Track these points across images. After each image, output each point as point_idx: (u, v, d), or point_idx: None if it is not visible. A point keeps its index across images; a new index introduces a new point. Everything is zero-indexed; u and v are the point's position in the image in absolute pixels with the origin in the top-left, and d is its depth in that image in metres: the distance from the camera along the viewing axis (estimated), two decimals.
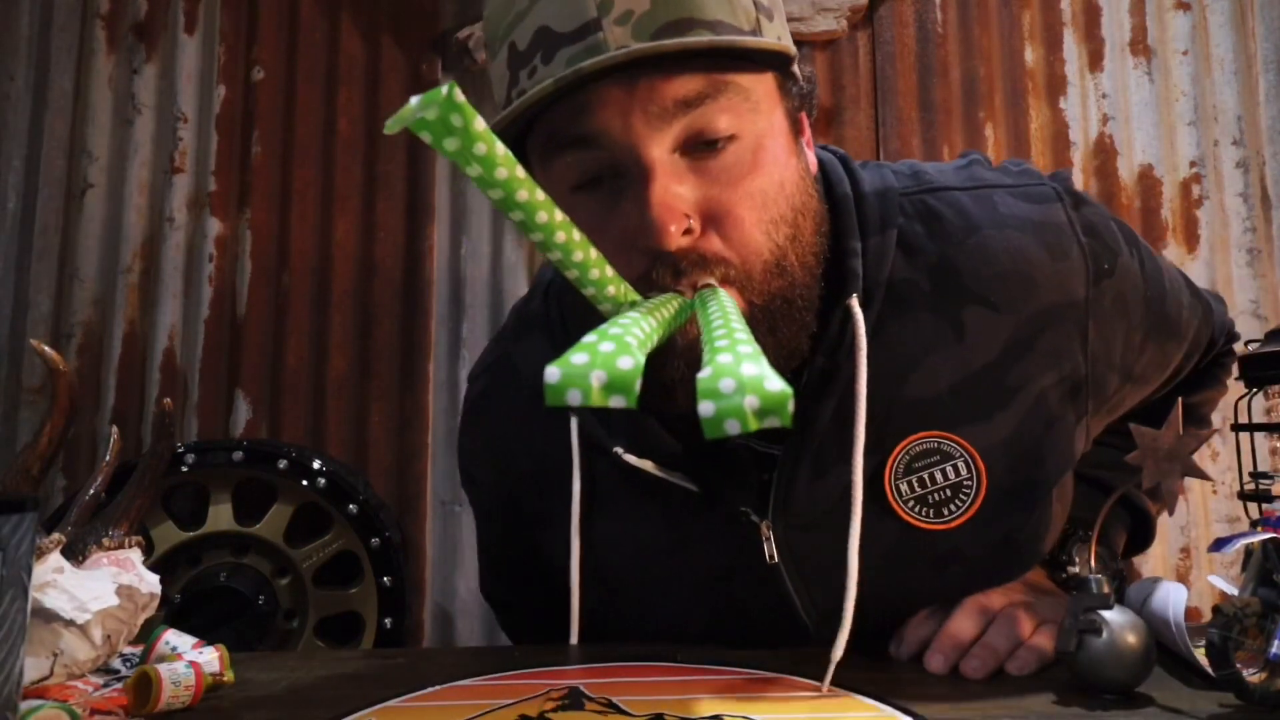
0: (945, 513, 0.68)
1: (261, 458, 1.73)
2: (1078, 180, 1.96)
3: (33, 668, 0.59)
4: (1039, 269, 0.69)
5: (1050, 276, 0.69)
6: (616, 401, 0.37)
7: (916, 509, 0.68)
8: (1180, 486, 0.59)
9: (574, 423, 0.71)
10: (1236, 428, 0.75)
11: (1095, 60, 2.00)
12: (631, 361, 0.37)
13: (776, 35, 0.61)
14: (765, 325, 0.61)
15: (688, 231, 0.57)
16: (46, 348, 0.66)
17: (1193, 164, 1.96)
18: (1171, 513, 0.84)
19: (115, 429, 0.73)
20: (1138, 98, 1.99)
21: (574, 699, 0.59)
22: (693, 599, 0.73)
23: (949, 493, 0.68)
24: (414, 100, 0.40)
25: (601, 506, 0.73)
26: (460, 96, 0.40)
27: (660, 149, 0.57)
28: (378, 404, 1.95)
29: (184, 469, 1.68)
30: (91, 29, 2.07)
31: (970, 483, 0.68)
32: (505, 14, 0.59)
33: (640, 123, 0.56)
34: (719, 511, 0.70)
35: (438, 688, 0.64)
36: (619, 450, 0.69)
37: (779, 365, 0.58)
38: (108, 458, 0.71)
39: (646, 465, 0.70)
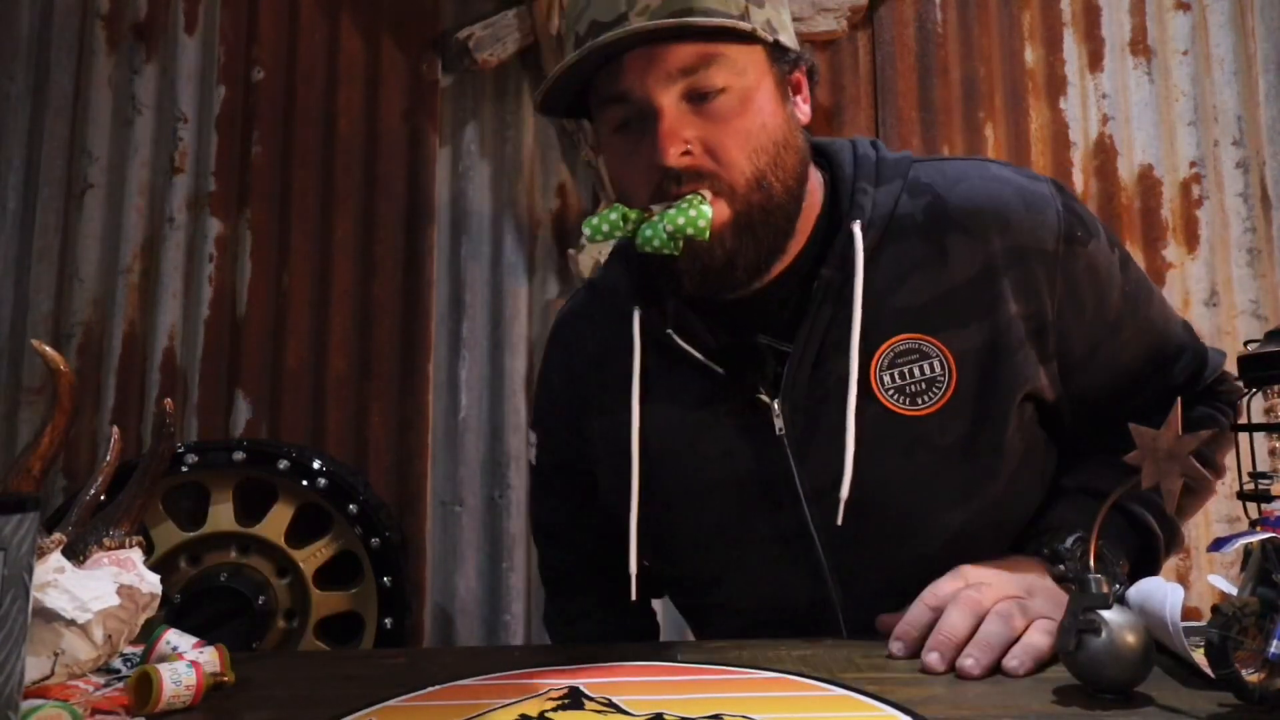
0: (919, 402, 0.81)
1: (262, 458, 1.73)
2: (1077, 180, 1.96)
3: (34, 667, 0.59)
4: (1014, 213, 0.83)
5: (1023, 221, 0.82)
6: (615, 230, 0.79)
7: (895, 397, 0.82)
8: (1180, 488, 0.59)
9: (636, 315, 0.89)
10: (1236, 428, 0.75)
11: (1095, 60, 2.00)
12: (618, 214, 0.80)
13: (765, 19, 0.80)
14: (747, 229, 0.79)
15: (686, 153, 0.78)
16: (47, 348, 0.66)
17: (1193, 164, 1.96)
18: (1172, 511, 0.84)
19: (115, 429, 0.73)
20: (1138, 98, 1.99)
21: (574, 699, 0.60)
22: (716, 467, 0.86)
23: (924, 385, 0.81)
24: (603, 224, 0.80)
25: (651, 387, 0.89)
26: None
27: (668, 99, 0.78)
28: (378, 404, 1.95)
29: (184, 469, 1.69)
30: (91, 29, 2.07)
31: (943, 379, 0.81)
32: (574, 11, 0.82)
33: (653, 81, 0.77)
34: (741, 393, 0.85)
35: (438, 688, 0.64)
36: (670, 331, 0.86)
37: (759, 262, 0.82)
38: (108, 458, 0.71)
39: (689, 349, 0.86)
